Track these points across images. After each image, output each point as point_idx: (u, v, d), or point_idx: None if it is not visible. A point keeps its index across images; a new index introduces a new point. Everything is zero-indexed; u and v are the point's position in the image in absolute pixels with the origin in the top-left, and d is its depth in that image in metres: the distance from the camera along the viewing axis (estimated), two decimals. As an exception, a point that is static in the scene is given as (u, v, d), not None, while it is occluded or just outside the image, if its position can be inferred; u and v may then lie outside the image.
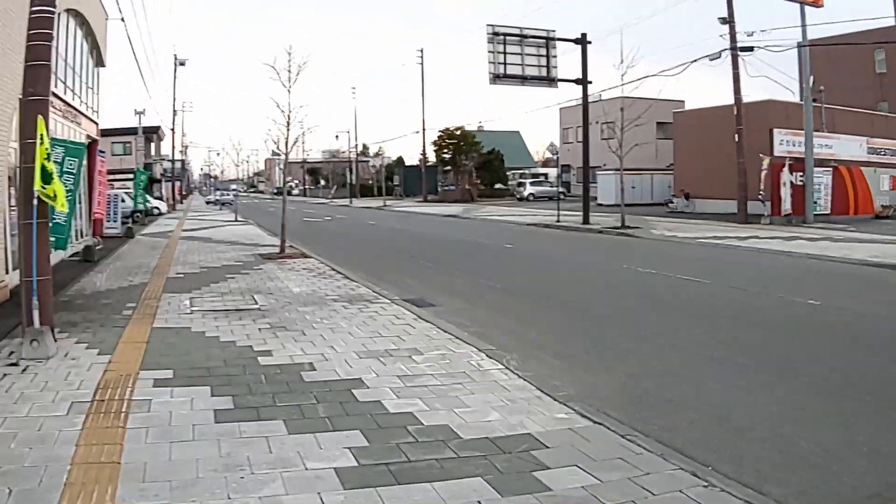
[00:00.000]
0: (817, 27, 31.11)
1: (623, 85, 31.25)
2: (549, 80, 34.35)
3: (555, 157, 38.46)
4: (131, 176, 38.84)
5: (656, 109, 31.52)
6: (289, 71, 19.07)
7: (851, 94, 44.44)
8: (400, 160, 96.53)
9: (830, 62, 43.41)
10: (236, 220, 38.99)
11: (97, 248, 20.58)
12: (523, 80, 33.17)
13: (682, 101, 54.20)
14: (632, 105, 33.18)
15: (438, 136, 67.68)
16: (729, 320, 11.07)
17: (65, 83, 19.67)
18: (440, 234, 29.05)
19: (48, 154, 8.18)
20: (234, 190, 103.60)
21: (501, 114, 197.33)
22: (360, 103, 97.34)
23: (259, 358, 8.16)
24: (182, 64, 61.10)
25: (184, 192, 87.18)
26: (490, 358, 8.23)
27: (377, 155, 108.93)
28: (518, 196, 62.18)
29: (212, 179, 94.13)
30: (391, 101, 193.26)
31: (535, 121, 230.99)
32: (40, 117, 8.27)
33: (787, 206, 30.34)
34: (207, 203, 63.73)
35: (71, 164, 11.74)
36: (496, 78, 32.24)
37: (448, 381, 7.32)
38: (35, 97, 8.69)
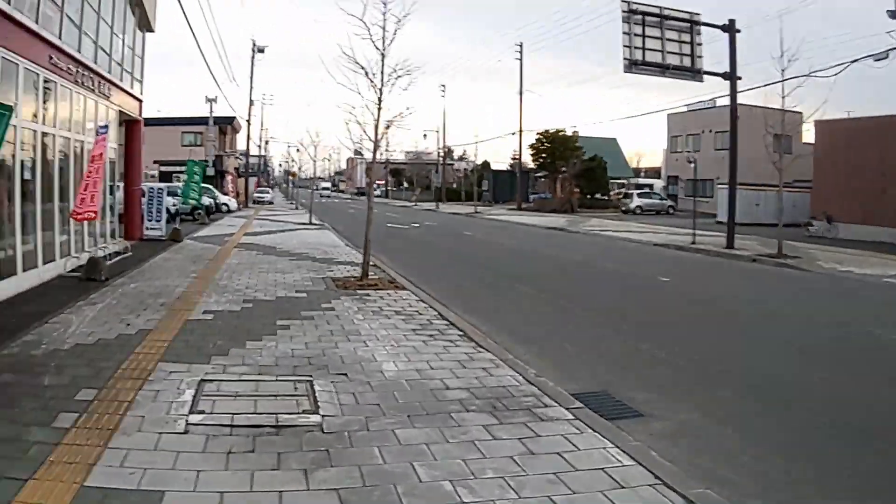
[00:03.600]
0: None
1: (784, 81, 24.62)
2: (693, 72, 28.06)
3: (691, 166, 31.71)
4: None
5: (773, 120, 25.28)
6: (383, 28, 13.49)
7: None
8: (486, 164, 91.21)
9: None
10: (311, 223, 33.86)
11: (118, 257, 15.53)
12: (663, 69, 26.89)
13: (800, 113, 47.37)
14: (747, 114, 27.37)
15: (536, 140, 61.52)
16: None
17: (81, 32, 14.57)
18: (559, 254, 23.11)
19: None
20: (325, 189, 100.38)
21: (598, 118, 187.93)
22: (448, 104, 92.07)
23: None
24: (261, 51, 55.98)
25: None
26: None
27: (461, 158, 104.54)
28: (623, 208, 55.67)
29: (290, 177, 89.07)
30: (477, 102, 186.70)
31: (629, 128, 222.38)
32: None
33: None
34: (254, 203, 58.44)
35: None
36: (633, 65, 26.08)
37: None
38: None
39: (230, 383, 6.77)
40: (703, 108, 56.14)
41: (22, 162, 11.50)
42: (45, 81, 12.50)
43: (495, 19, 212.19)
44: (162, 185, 24.58)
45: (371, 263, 14.76)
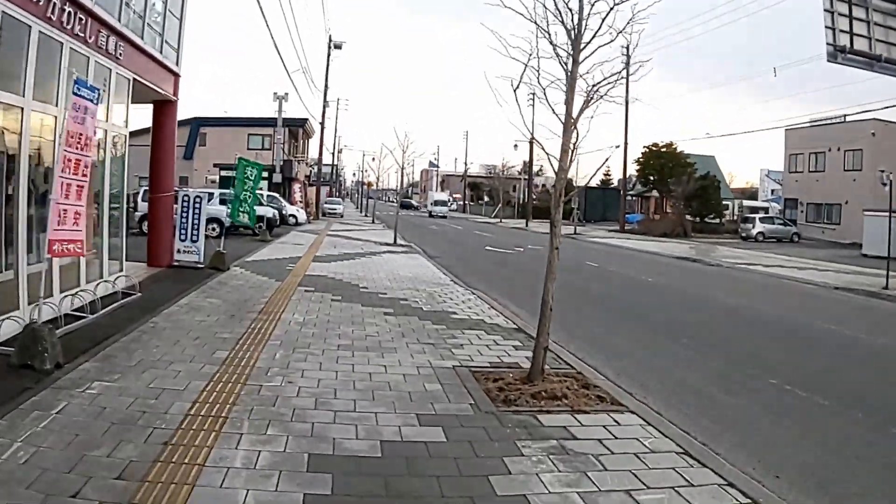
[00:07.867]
0: None
1: None
2: (904, 66, 21.55)
3: (887, 186, 24.48)
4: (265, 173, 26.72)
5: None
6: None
7: None
8: (568, 181, 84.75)
9: None
10: (395, 244, 27.81)
11: (114, 305, 9.75)
12: (872, 61, 20.46)
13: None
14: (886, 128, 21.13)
15: (643, 154, 54.74)
16: None
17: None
18: (739, 304, 16.48)
19: None
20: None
21: (694, 133, 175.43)
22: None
23: None
24: (338, 47, 50.58)
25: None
26: None
27: (538, 173, 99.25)
28: (743, 234, 48.51)
29: (367, 187, 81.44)
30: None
31: (715, 148, 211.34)
32: None
33: None
34: (324, 215, 51.95)
35: None
36: (839, 52, 19.78)
37: None
38: None
39: None
40: (830, 123, 49.67)
41: None
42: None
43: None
44: (203, 191, 18.16)
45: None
